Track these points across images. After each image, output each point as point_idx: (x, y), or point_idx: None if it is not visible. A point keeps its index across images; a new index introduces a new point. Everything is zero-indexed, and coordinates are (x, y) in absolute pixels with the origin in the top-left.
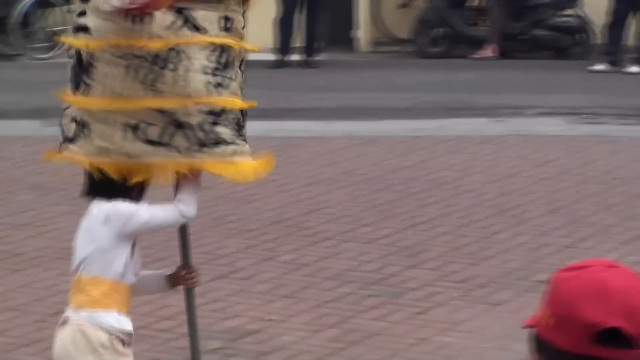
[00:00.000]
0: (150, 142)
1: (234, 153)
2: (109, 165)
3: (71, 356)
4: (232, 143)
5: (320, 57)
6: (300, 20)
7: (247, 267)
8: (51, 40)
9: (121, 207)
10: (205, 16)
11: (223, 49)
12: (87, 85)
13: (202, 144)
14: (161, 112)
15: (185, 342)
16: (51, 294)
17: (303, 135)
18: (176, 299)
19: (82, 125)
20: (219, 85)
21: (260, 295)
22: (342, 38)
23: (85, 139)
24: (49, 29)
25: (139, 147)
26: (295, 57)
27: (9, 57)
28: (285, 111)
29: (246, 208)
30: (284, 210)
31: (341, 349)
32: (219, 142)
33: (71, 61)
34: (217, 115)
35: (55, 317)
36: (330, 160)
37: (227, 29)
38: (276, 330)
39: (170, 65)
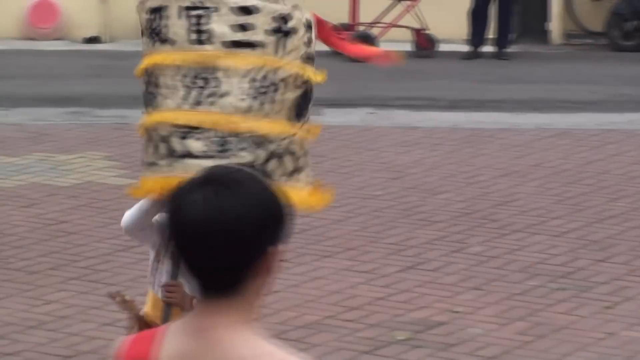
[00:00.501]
0: None
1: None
2: None
3: None
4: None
5: (512, 49)
6: (493, 12)
7: (435, 258)
8: None
9: None
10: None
11: None
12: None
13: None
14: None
15: (372, 333)
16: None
17: (494, 127)
18: (364, 289)
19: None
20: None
21: (448, 287)
22: (535, 30)
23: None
24: None
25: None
26: (487, 48)
27: None
28: (476, 102)
29: (436, 199)
30: (473, 202)
31: (528, 342)
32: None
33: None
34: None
35: (307, 307)
36: (521, 152)
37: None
38: (463, 322)
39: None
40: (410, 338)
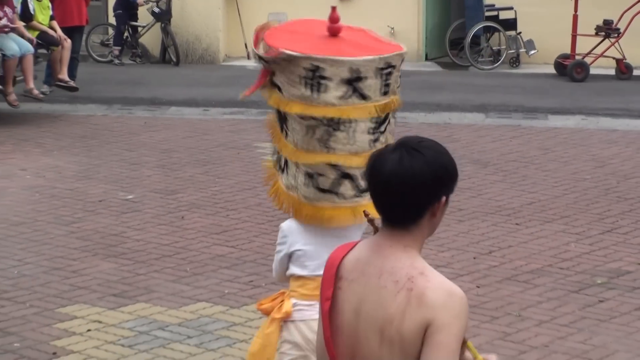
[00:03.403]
0: (322, 190)
1: None
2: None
3: None
4: None
5: None
6: None
7: (627, 225)
8: (493, 56)
9: None
10: (370, 86)
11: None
12: (286, 132)
13: (363, 191)
14: (332, 165)
15: (579, 278)
16: (483, 239)
17: None
18: (574, 246)
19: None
20: (376, 140)
21: (636, 246)
22: None
23: (283, 173)
24: (492, 47)
25: (312, 192)
26: None
27: (463, 68)
28: None
29: (628, 182)
30: None
31: None
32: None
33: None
34: None
35: (489, 257)
36: None
37: (385, 93)
38: None
39: (342, 127)
40: (607, 282)
